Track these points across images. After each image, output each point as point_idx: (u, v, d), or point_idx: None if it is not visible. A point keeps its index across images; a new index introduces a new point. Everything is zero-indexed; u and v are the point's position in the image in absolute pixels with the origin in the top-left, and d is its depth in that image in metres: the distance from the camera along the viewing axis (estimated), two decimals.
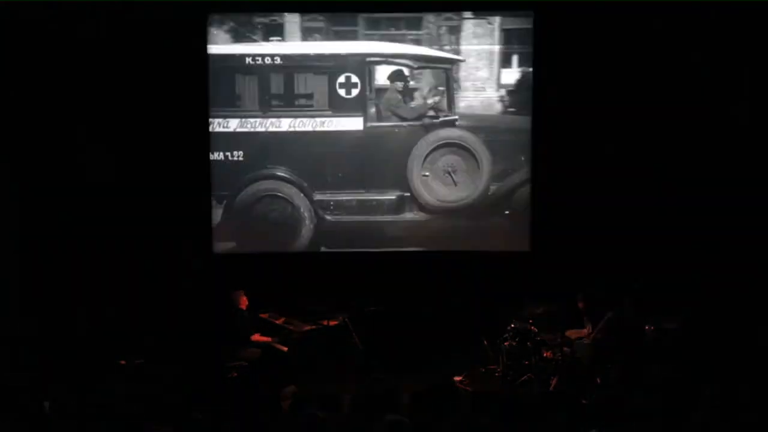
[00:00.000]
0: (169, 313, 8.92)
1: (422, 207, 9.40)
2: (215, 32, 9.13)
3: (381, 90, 9.25)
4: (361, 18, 9.19)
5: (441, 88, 9.25)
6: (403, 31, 9.25)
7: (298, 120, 9.26)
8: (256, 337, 8.29)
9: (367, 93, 9.24)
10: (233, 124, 9.26)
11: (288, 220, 9.40)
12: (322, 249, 9.46)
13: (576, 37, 8.94)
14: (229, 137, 9.28)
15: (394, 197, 9.39)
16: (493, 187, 9.37)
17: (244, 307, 8.31)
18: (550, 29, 9.03)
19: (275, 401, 5.93)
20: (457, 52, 9.18)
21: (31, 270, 9.10)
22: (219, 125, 9.23)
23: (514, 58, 9.25)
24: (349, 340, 8.34)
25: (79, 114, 9.04)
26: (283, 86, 9.25)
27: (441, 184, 9.40)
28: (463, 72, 9.21)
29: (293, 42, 9.19)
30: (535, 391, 7.67)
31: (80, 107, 9.03)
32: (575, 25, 8.90)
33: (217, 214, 9.34)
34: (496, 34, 9.19)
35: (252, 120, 9.26)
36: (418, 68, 9.26)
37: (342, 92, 9.23)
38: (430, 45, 9.21)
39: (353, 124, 9.26)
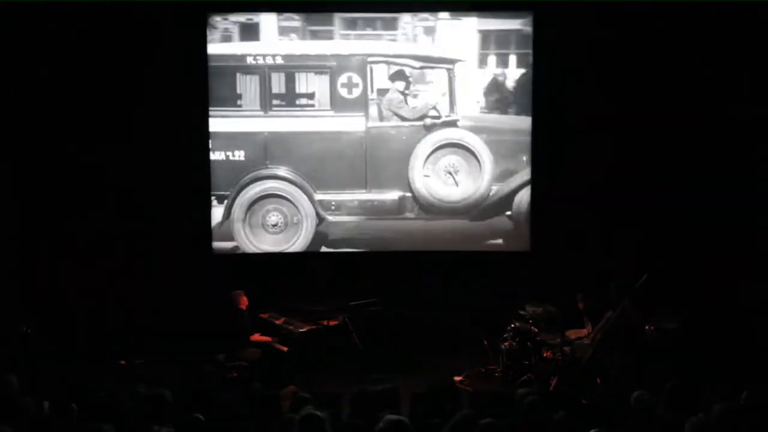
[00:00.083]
0: (169, 313, 8.93)
1: (423, 207, 9.41)
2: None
3: (382, 90, 9.26)
4: (337, 18, 9.15)
5: (442, 88, 9.25)
6: (379, 32, 9.23)
7: (299, 120, 9.27)
8: (256, 337, 8.29)
9: (369, 93, 9.24)
10: (233, 124, 9.27)
11: (288, 220, 9.40)
12: (323, 249, 9.46)
13: (576, 37, 8.95)
14: (229, 137, 9.29)
15: (395, 197, 9.39)
16: (494, 188, 9.38)
17: (244, 307, 8.30)
18: (549, 29, 9.03)
19: (275, 401, 5.91)
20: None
21: (31, 270, 9.11)
22: (219, 125, 9.24)
23: (511, 59, 9.24)
24: (349, 340, 8.33)
25: (79, 114, 9.06)
26: (284, 86, 9.25)
27: (442, 185, 9.40)
28: (464, 72, 9.22)
29: (293, 42, 9.18)
30: (535, 391, 7.65)
31: (80, 107, 9.05)
32: (575, 25, 8.91)
33: (217, 214, 9.34)
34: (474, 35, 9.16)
35: (252, 120, 9.27)
36: (420, 68, 9.27)
37: (343, 92, 9.23)
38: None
39: (354, 124, 9.26)
